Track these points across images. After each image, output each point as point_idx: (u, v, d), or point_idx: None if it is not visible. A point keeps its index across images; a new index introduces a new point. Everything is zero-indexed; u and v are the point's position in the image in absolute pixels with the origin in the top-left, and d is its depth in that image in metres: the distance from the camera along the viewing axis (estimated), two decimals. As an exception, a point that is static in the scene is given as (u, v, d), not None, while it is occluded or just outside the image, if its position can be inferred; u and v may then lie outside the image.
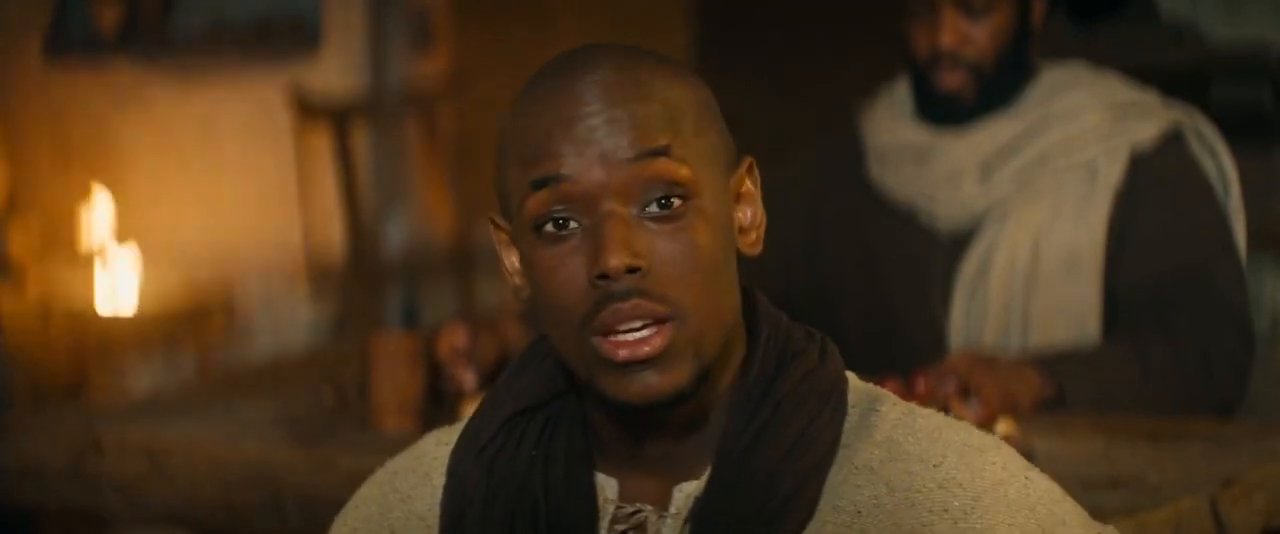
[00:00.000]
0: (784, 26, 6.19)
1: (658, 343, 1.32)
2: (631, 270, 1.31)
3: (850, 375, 1.44)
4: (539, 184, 1.33)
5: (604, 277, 1.31)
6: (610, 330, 1.32)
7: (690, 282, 1.33)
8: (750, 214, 1.41)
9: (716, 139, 1.38)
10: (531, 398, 1.45)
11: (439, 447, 1.50)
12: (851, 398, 1.42)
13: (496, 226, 1.42)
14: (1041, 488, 1.39)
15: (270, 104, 5.21)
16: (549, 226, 1.33)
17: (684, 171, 1.33)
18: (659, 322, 1.32)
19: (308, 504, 2.46)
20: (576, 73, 1.35)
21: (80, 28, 4.71)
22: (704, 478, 1.39)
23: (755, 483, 1.36)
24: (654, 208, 1.33)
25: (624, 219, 1.32)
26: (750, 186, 1.41)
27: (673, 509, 1.40)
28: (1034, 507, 1.37)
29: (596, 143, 1.32)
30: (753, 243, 1.41)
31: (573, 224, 1.33)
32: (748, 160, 1.41)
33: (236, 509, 2.55)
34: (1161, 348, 2.59)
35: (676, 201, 1.33)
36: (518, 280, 1.41)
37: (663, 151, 1.32)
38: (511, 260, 1.42)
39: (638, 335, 1.32)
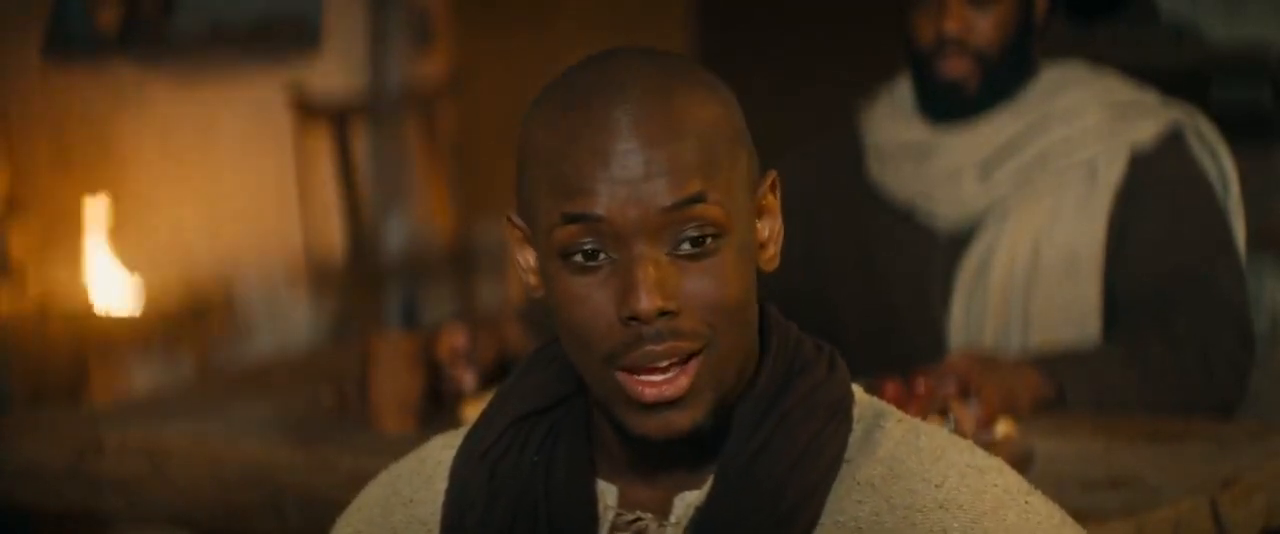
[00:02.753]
0: (784, 26, 6.19)
1: (683, 383, 1.32)
2: (663, 313, 1.31)
3: (856, 388, 1.44)
4: (571, 219, 1.32)
5: (635, 318, 1.30)
6: (637, 368, 1.32)
7: (718, 318, 1.33)
8: (769, 229, 1.40)
9: (745, 161, 1.37)
10: (535, 403, 1.45)
11: (444, 450, 1.50)
12: (856, 412, 1.42)
13: (512, 224, 1.41)
14: (1042, 512, 1.38)
15: (270, 104, 5.21)
16: (578, 257, 1.32)
17: (718, 213, 1.32)
18: (691, 356, 1.32)
19: (308, 504, 2.46)
20: (609, 98, 1.32)
21: (80, 28, 4.70)
22: (706, 487, 1.38)
23: (758, 494, 1.36)
24: (686, 246, 1.32)
25: (656, 260, 1.31)
26: (772, 200, 1.40)
27: (673, 518, 1.39)
28: (1033, 530, 1.36)
29: (632, 184, 1.31)
30: (770, 258, 1.40)
31: (602, 256, 1.32)
32: (771, 175, 1.40)
33: (236, 509, 2.55)
34: (1161, 348, 2.59)
35: (708, 241, 1.32)
36: (532, 279, 1.41)
37: (699, 198, 1.32)
38: (526, 258, 1.41)
39: (664, 376, 1.32)
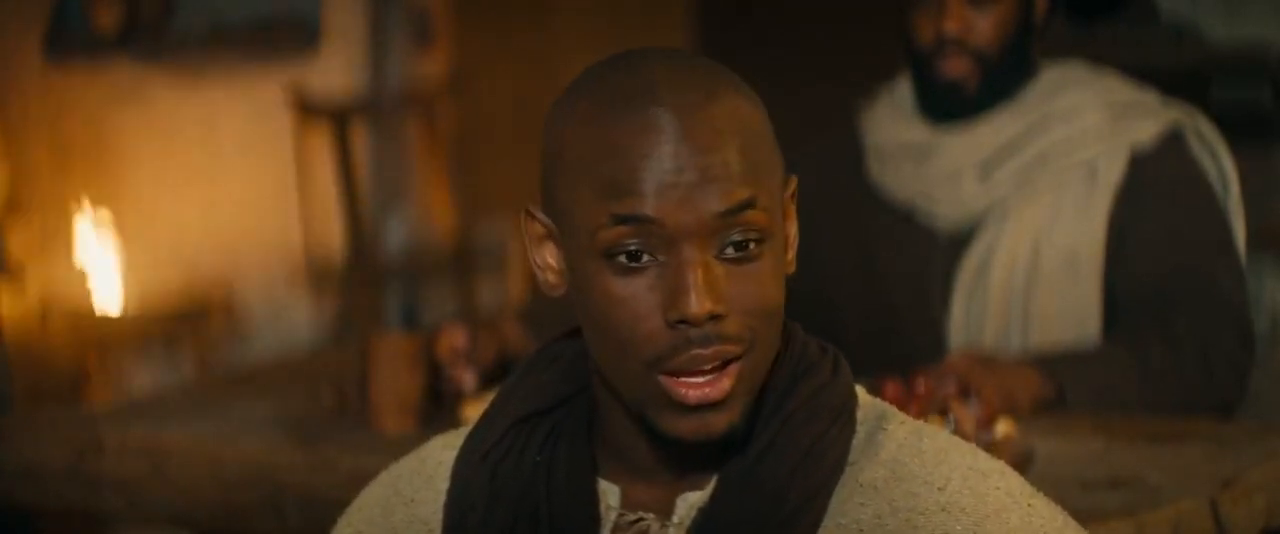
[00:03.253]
0: (784, 26, 6.19)
1: (726, 385, 1.32)
2: (712, 317, 1.31)
3: (859, 390, 1.44)
4: (622, 220, 1.31)
5: (684, 322, 1.30)
6: (681, 372, 1.32)
7: (759, 323, 1.33)
8: (791, 232, 1.41)
9: (777, 165, 1.37)
10: (537, 404, 1.45)
11: (444, 450, 1.50)
12: (860, 414, 1.42)
13: (534, 219, 1.40)
14: (1044, 515, 1.38)
15: (270, 104, 5.21)
16: (622, 257, 1.32)
17: (764, 219, 1.33)
18: (733, 360, 1.32)
19: (308, 504, 2.46)
20: (653, 99, 1.32)
21: (80, 28, 4.70)
22: (708, 488, 1.38)
23: (761, 496, 1.36)
24: (731, 250, 1.32)
25: (706, 264, 1.31)
26: (791, 206, 1.41)
27: (676, 518, 1.39)
28: (1036, 533, 1.36)
29: (684, 188, 1.30)
30: (790, 262, 1.40)
31: (646, 257, 1.32)
32: (794, 179, 1.41)
33: (236, 509, 2.55)
34: (1161, 348, 2.59)
35: (752, 245, 1.33)
36: (551, 277, 1.40)
37: (750, 204, 1.32)
38: (545, 256, 1.40)
39: (706, 379, 1.32)
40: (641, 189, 1.31)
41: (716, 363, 1.32)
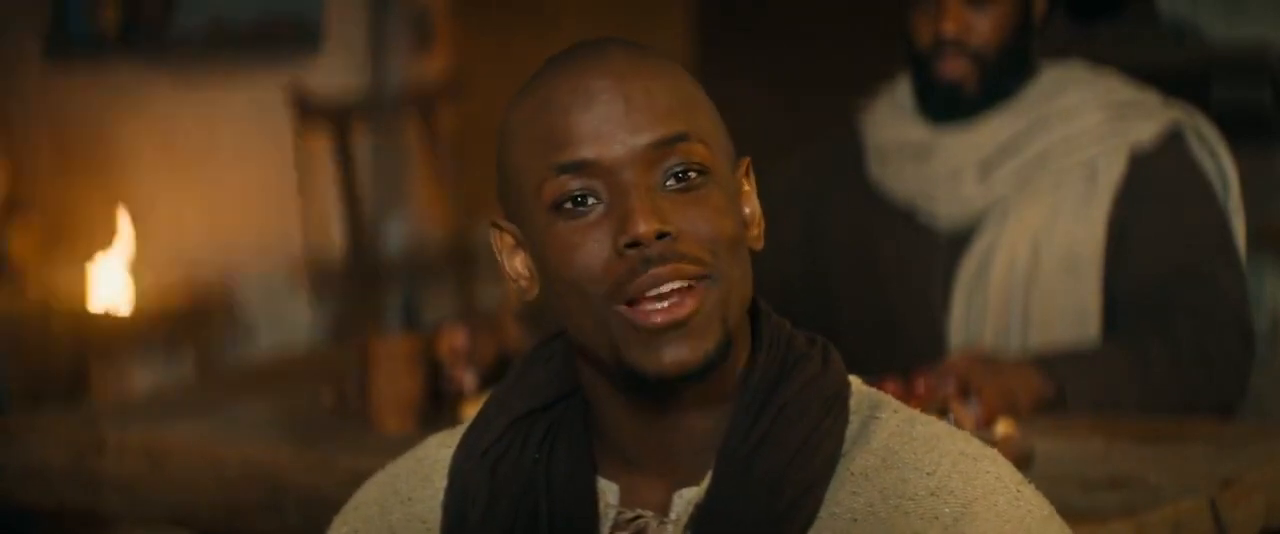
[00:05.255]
0: (784, 26, 6.19)
1: (692, 304, 1.33)
2: (661, 236, 1.32)
3: (853, 380, 1.44)
4: (562, 168, 1.34)
5: (634, 244, 1.32)
6: (642, 298, 1.33)
7: (717, 245, 1.34)
8: (750, 210, 1.42)
9: (722, 130, 1.40)
10: (534, 401, 1.46)
11: (441, 449, 1.50)
12: (853, 404, 1.42)
13: (499, 229, 1.42)
14: (1032, 502, 1.38)
15: (270, 104, 5.21)
16: (568, 204, 1.34)
17: (703, 152, 1.35)
18: (695, 280, 1.33)
19: (308, 504, 2.46)
20: (586, 58, 1.37)
21: (80, 28, 4.70)
22: (704, 484, 1.39)
23: (757, 490, 1.36)
24: (672, 181, 1.35)
25: (649, 188, 1.33)
26: (747, 186, 1.43)
27: (673, 515, 1.40)
28: (1023, 518, 1.36)
29: (617, 121, 1.34)
30: (756, 237, 1.42)
31: (592, 200, 1.34)
32: (745, 160, 1.43)
33: (236, 509, 2.55)
34: (1161, 348, 2.59)
35: (694, 175, 1.35)
36: (523, 282, 1.42)
37: (682, 137, 1.35)
38: (515, 264, 1.42)
39: (672, 300, 1.33)
40: (577, 136, 1.34)
41: (676, 281, 1.32)
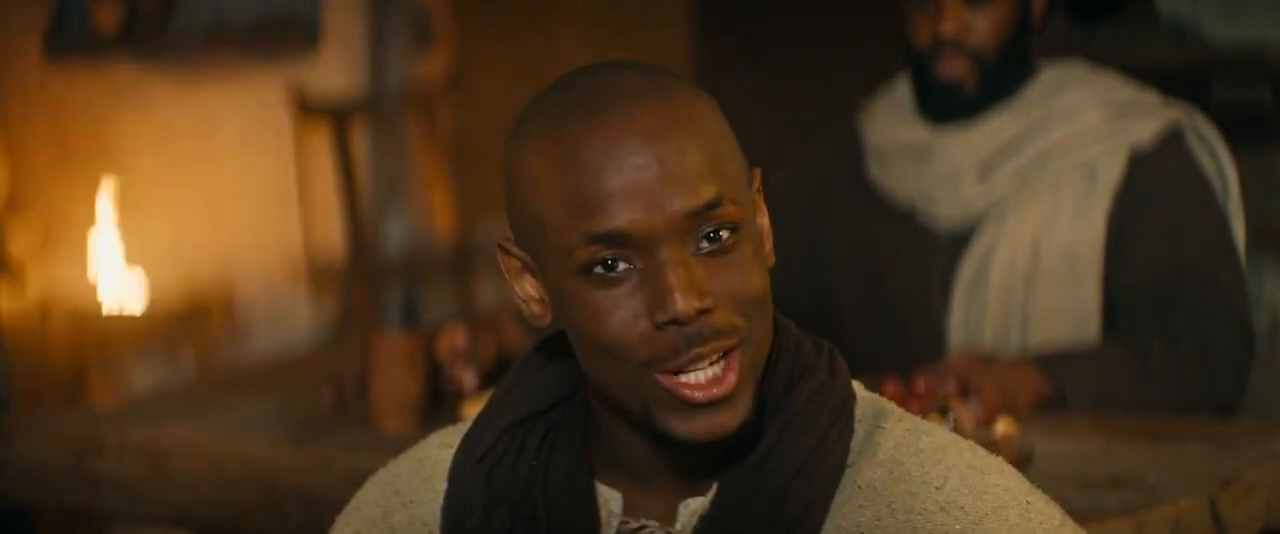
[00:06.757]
0: (784, 26, 6.19)
1: (732, 380, 1.32)
2: (701, 311, 1.30)
3: (857, 386, 1.43)
4: (595, 239, 1.30)
5: (673, 322, 1.30)
6: (680, 370, 1.31)
7: (750, 310, 1.33)
8: (762, 223, 1.40)
9: (741, 158, 1.37)
10: (531, 406, 1.45)
11: (442, 449, 1.49)
12: (858, 413, 1.41)
13: (509, 254, 1.40)
14: (1043, 513, 1.37)
15: (270, 104, 5.21)
16: (599, 270, 1.31)
17: (734, 212, 1.33)
18: (733, 350, 1.32)
19: (307, 504, 2.46)
20: (607, 107, 1.32)
21: (80, 27, 4.70)
22: (710, 495, 1.38)
23: (763, 501, 1.35)
24: (705, 244, 1.32)
25: (684, 262, 1.31)
26: (759, 197, 1.41)
27: (678, 525, 1.39)
28: (1034, 531, 1.36)
29: (650, 194, 1.30)
30: (769, 252, 1.40)
31: (622, 265, 1.31)
32: (757, 171, 1.41)
33: (236, 509, 2.55)
34: (1161, 348, 2.59)
35: (726, 235, 1.32)
36: (536, 308, 1.39)
37: (716, 202, 1.31)
38: (524, 287, 1.40)
39: (710, 374, 1.31)
40: (609, 203, 1.30)
41: (715, 356, 1.31)
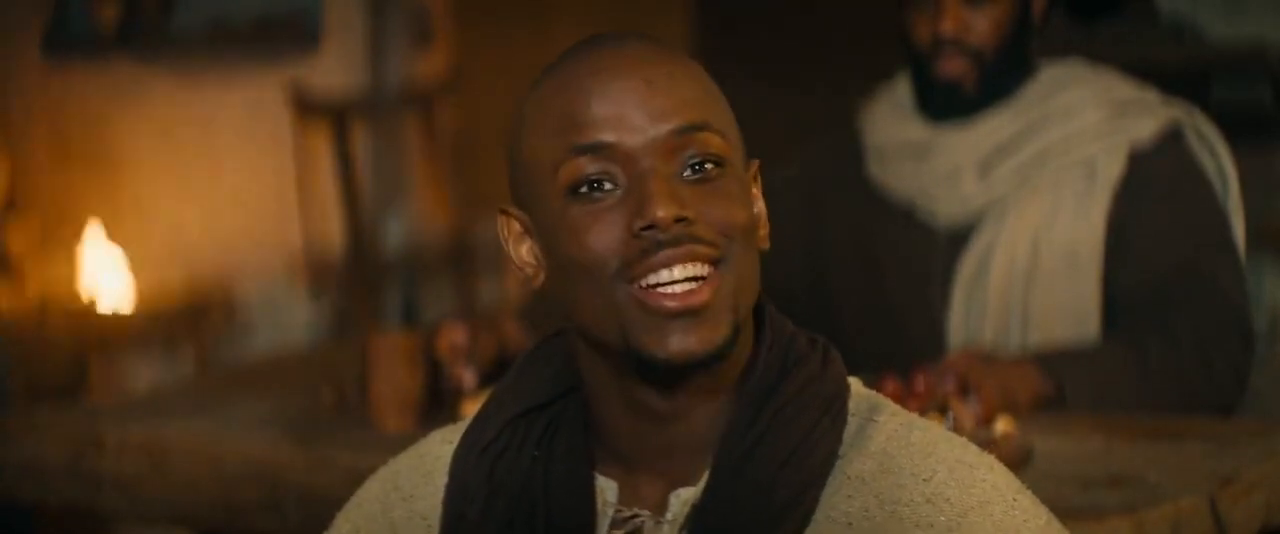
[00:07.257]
0: (784, 26, 6.19)
1: (706, 294, 1.33)
2: (679, 220, 1.32)
3: (853, 382, 1.44)
4: (581, 150, 1.34)
5: (650, 227, 1.32)
6: (656, 281, 1.33)
7: (731, 232, 1.35)
8: (759, 209, 1.42)
9: (737, 130, 1.41)
10: (534, 399, 1.46)
11: (443, 446, 1.50)
12: (852, 406, 1.42)
13: (508, 216, 1.42)
14: (1029, 511, 1.38)
15: (270, 103, 5.21)
16: (584, 188, 1.34)
17: (720, 143, 1.36)
18: (710, 264, 1.33)
19: (307, 503, 2.46)
20: (606, 45, 1.37)
21: (80, 26, 4.70)
22: (701, 484, 1.39)
23: (752, 491, 1.36)
24: (689, 171, 1.35)
25: (668, 177, 1.33)
26: (756, 188, 1.43)
27: (670, 515, 1.40)
28: (1019, 528, 1.36)
29: (638, 105, 1.34)
30: (763, 237, 1.42)
31: (608, 185, 1.34)
32: (755, 162, 1.43)
33: (236, 507, 2.55)
34: (1161, 346, 2.59)
35: (711, 167, 1.35)
36: (529, 270, 1.42)
37: (703, 126, 1.35)
38: (521, 252, 1.42)
39: (686, 285, 1.33)
40: (597, 118, 1.34)
41: (690, 263, 1.33)
